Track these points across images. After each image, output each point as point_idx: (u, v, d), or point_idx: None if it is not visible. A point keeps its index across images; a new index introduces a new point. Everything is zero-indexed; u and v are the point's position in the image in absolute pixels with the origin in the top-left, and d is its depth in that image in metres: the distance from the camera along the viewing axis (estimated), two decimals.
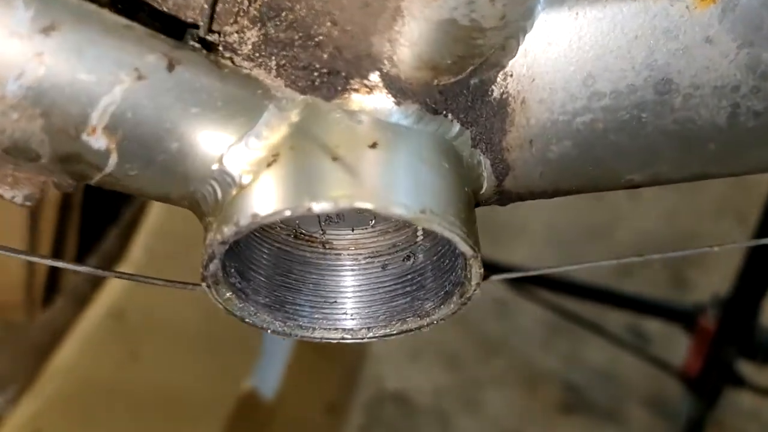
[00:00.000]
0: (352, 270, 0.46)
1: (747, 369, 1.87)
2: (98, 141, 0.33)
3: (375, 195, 0.34)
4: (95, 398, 1.47)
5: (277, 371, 1.78)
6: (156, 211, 1.55)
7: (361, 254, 0.46)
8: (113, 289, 1.49)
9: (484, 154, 0.41)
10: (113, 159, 0.34)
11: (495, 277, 0.45)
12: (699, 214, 2.30)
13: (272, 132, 0.36)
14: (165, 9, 0.41)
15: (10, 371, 1.44)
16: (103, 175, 0.35)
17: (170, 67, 0.33)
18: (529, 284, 2.18)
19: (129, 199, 1.55)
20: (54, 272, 1.54)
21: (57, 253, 1.53)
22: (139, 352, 1.53)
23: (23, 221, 1.47)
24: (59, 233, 1.52)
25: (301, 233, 0.46)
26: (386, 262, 0.46)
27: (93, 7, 0.32)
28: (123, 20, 0.33)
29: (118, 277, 0.49)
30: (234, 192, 0.36)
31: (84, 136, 0.33)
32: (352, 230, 0.46)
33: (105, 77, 0.32)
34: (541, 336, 2.28)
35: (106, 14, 0.33)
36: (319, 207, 0.34)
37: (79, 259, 1.53)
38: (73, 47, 0.31)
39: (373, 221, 0.46)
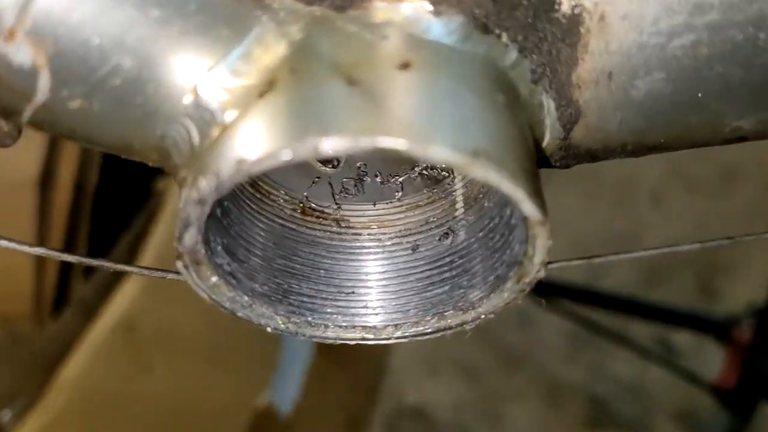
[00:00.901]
0: (375, 253, 0.35)
1: None
2: (20, 51, 0.22)
3: (408, 129, 0.23)
4: (105, 411, 1.38)
5: (294, 384, 1.68)
6: (168, 218, 1.46)
7: (385, 234, 0.35)
8: (123, 299, 1.40)
9: (546, 92, 0.30)
10: (44, 80, 0.23)
11: (555, 265, 0.34)
12: (729, 219, 2.18)
13: (266, 51, 0.26)
14: None
15: (18, 383, 1.35)
16: (35, 108, 0.24)
17: None
18: (552, 295, 2.07)
19: (140, 206, 1.46)
20: (63, 283, 1.45)
21: (66, 263, 1.44)
22: (152, 364, 1.43)
23: (32, 228, 1.39)
24: (68, 241, 1.43)
25: (310, 207, 0.35)
26: (418, 243, 0.35)
27: None
28: None
29: (97, 266, 0.39)
30: (215, 133, 0.26)
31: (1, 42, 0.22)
32: (374, 204, 0.35)
33: None
34: (565, 348, 2.17)
35: None
36: (330, 144, 0.23)
37: (89, 270, 1.44)
38: None
39: (400, 193, 0.35)
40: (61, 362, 1.37)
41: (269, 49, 0.26)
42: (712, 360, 1.89)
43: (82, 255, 1.42)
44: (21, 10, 0.22)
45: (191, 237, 0.27)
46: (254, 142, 0.24)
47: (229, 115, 0.25)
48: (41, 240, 1.40)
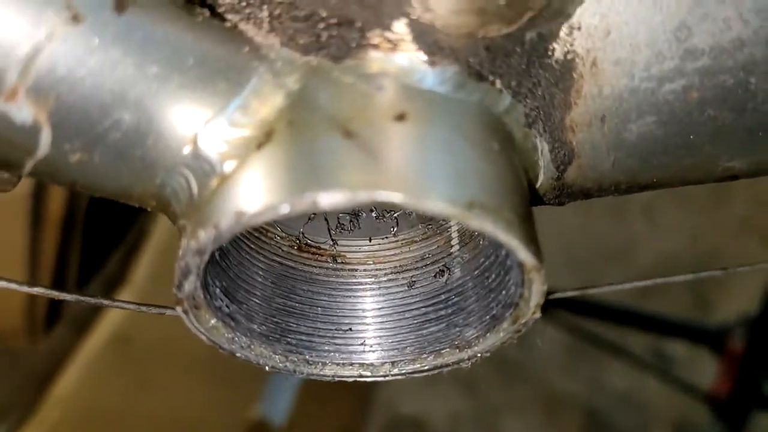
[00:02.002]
0: (371, 289, 0.35)
1: None
2: (21, 109, 0.23)
3: (405, 182, 0.24)
4: (99, 427, 1.38)
5: (287, 396, 1.69)
6: (160, 233, 1.46)
7: (381, 270, 0.36)
8: (116, 315, 1.40)
9: (540, 135, 0.30)
10: (45, 136, 0.24)
11: (558, 294, 0.35)
12: (721, 234, 2.19)
13: (264, 103, 0.26)
14: None
15: (11, 400, 1.35)
16: (37, 161, 0.25)
17: (119, 5, 0.23)
18: (548, 306, 2.08)
19: (132, 222, 1.46)
20: (55, 299, 1.45)
21: (59, 277, 1.44)
22: (147, 380, 1.44)
23: (25, 241, 1.39)
24: (61, 257, 1.43)
25: (307, 243, 0.35)
26: (414, 279, 0.35)
27: None
28: None
29: (81, 301, 0.39)
30: (213, 183, 0.26)
31: (1, 103, 0.22)
32: (370, 240, 0.36)
33: (26, 17, 0.22)
34: (562, 360, 2.18)
35: None
36: (328, 199, 0.24)
37: (82, 283, 1.44)
38: None
39: (396, 228, 0.36)
40: (54, 377, 1.37)
41: (267, 101, 0.26)
42: (706, 370, 1.91)
43: (75, 271, 1.42)
44: (24, 69, 0.22)
45: (190, 284, 0.27)
46: (253, 194, 0.25)
47: (228, 166, 0.26)
48: (34, 252, 1.40)
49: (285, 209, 0.24)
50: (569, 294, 0.42)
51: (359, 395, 2.05)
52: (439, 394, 2.16)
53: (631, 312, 2.07)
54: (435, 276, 0.35)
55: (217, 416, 1.54)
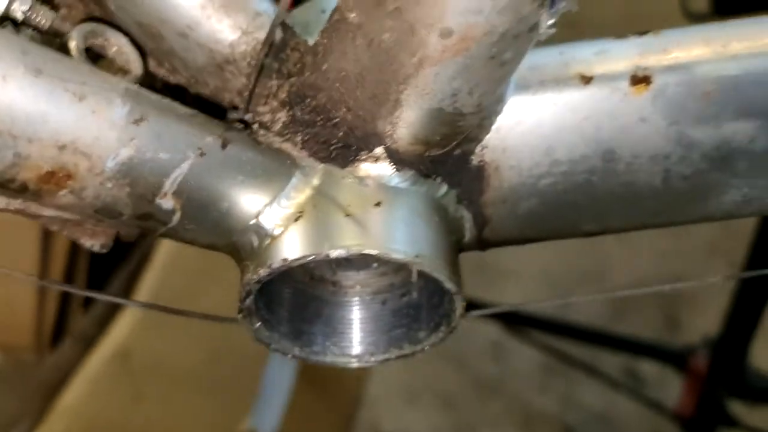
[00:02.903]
0: (358, 305, 0.57)
1: (739, 409, 1.96)
2: (167, 203, 0.44)
3: (379, 243, 0.46)
4: None
5: (276, 411, 1.87)
6: (164, 252, 1.66)
7: (365, 292, 0.57)
8: (120, 331, 1.60)
9: (466, 209, 0.52)
10: (177, 217, 0.45)
11: (475, 313, 0.56)
12: (690, 256, 2.41)
13: (298, 194, 0.48)
14: (206, 92, 0.53)
15: (19, 410, 1.53)
16: (167, 229, 0.47)
17: (224, 145, 0.45)
18: (524, 326, 2.28)
19: (136, 245, 1.66)
20: (62, 315, 1.65)
21: (66, 294, 1.64)
22: (144, 393, 1.63)
23: (35, 264, 1.58)
24: (68, 276, 1.63)
25: (315, 274, 0.57)
26: (386, 299, 0.57)
27: (167, 100, 0.44)
28: (189, 110, 0.45)
29: (162, 310, 0.60)
30: (268, 241, 0.48)
31: (157, 200, 0.44)
32: (357, 272, 0.57)
33: (177, 155, 0.44)
34: (537, 378, 2.37)
35: (177, 106, 0.44)
36: (335, 253, 0.45)
37: (88, 301, 1.64)
38: (155, 133, 0.43)
39: (376, 264, 0.57)
40: (60, 390, 1.56)
41: (301, 192, 0.48)
42: (675, 389, 2.09)
43: (82, 286, 1.62)
44: (173, 182, 0.44)
45: (250, 301, 0.49)
46: (293, 248, 0.46)
47: (277, 231, 0.47)
48: (43, 272, 1.59)
49: (311, 258, 0.46)
50: (501, 310, 0.63)
51: (345, 413, 2.23)
52: (419, 411, 2.34)
53: (602, 333, 2.26)
54: (401, 297, 0.57)
55: (210, 428, 1.72)
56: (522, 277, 2.44)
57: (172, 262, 1.64)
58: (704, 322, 2.29)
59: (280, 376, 1.96)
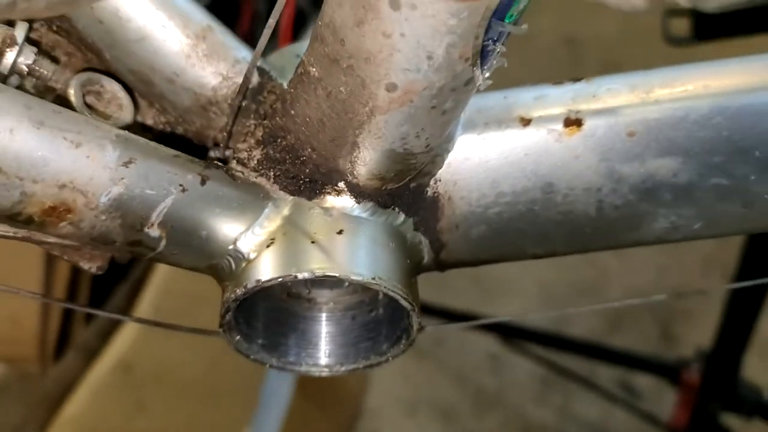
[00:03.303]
0: (329, 320, 0.64)
1: (732, 422, 2.01)
2: (154, 232, 0.52)
3: (341, 267, 0.54)
4: None
5: (274, 423, 1.94)
6: (162, 271, 1.73)
7: (337, 308, 0.65)
8: (122, 343, 1.67)
9: (423, 235, 0.60)
10: (163, 243, 0.53)
11: (430, 328, 0.64)
12: (686, 270, 2.47)
13: (270, 222, 0.56)
14: (193, 129, 0.61)
15: (24, 420, 1.61)
16: (155, 254, 0.54)
17: (203, 182, 0.53)
18: (521, 339, 2.35)
19: (135, 262, 1.75)
20: (65, 328, 1.73)
21: (69, 310, 1.72)
22: (145, 403, 1.70)
23: (38, 281, 1.66)
24: (71, 292, 1.71)
25: (292, 292, 0.65)
26: (355, 314, 0.64)
27: (153, 144, 0.52)
28: (172, 151, 0.53)
29: (153, 325, 0.67)
30: (244, 265, 0.55)
31: (146, 229, 0.52)
32: (331, 289, 0.65)
33: (161, 191, 0.51)
34: (535, 390, 2.43)
35: (162, 148, 0.52)
36: (302, 275, 0.53)
37: (90, 316, 1.72)
38: (142, 173, 0.50)
39: (347, 284, 0.65)
40: (63, 401, 1.64)
41: (273, 221, 0.56)
42: (669, 401, 2.15)
43: (85, 303, 1.70)
44: (159, 214, 0.51)
45: (229, 316, 0.57)
46: (265, 271, 0.54)
47: (252, 255, 0.55)
48: (47, 288, 1.67)
49: (281, 280, 0.53)
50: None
51: (344, 424, 2.30)
52: (418, 423, 2.40)
53: (598, 346, 2.32)
54: (368, 313, 0.64)
55: None
56: (519, 290, 2.51)
57: (171, 281, 1.72)
58: (698, 335, 2.35)
59: (278, 387, 2.04)
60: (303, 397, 2.13)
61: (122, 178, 0.49)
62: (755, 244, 1.82)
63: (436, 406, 2.45)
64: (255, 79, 0.60)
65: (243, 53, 0.60)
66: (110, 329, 1.71)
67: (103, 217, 0.50)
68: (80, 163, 0.48)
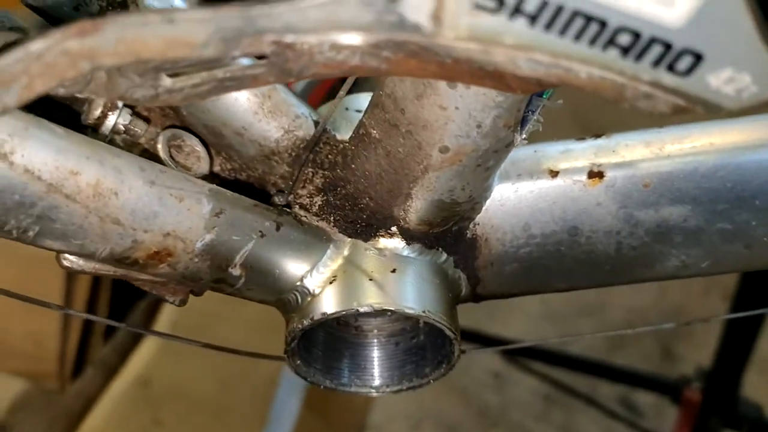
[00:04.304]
0: (376, 346, 0.74)
1: None
2: (236, 272, 0.62)
3: (395, 301, 0.63)
4: None
5: None
6: None
7: (382, 335, 0.74)
8: (140, 360, 1.76)
9: (462, 271, 0.70)
10: (242, 281, 0.63)
11: (469, 353, 0.74)
12: (687, 292, 2.58)
13: (332, 262, 0.66)
14: (255, 175, 0.70)
15: None
16: (233, 290, 0.64)
17: (278, 228, 0.63)
18: (524, 357, 2.45)
19: None
20: (84, 346, 1.82)
21: (88, 324, 1.81)
22: (161, 418, 1.79)
23: (60, 297, 1.75)
24: (91, 308, 1.80)
25: (343, 322, 0.74)
26: (399, 341, 0.74)
27: (237, 195, 0.62)
28: (252, 201, 0.63)
29: (206, 347, 0.76)
30: (309, 299, 0.65)
31: (229, 269, 0.62)
32: (376, 318, 0.75)
33: (244, 237, 0.61)
34: (537, 407, 2.52)
35: (244, 199, 0.62)
36: (363, 309, 0.63)
37: (109, 332, 1.81)
38: (230, 222, 0.60)
39: (390, 314, 0.75)
40: (83, 415, 1.73)
41: (334, 261, 0.65)
42: (670, 419, 2.24)
43: (103, 318, 1.78)
44: (241, 256, 0.61)
45: (294, 344, 0.66)
46: (329, 305, 0.64)
47: (317, 290, 0.65)
48: (67, 304, 1.77)
49: (343, 312, 0.63)
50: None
51: None
52: None
53: (600, 364, 2.42)
54: (411, 339, 0.74)
55: None
56: (523, 309, 2.61)
57: (189, 299, 1.81)
58: (699, 354, 2.45)
59: (287, 405, 2.13)
60: (310, 415, 2.22)
61: (214, 227, 0.59)
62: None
63: (440, 422, 2.54)
64: (311, 131, 0.69)
65: (302, 109, 0.70)
66: (127, 346, 1.80)
67: (196, 260, 0.60)
68: (182, 215, 0.57)
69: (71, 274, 1.79)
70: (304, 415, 2.16)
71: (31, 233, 0.52)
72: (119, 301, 1.84)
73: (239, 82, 0.45)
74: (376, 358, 0.73)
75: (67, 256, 0.58)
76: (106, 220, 0.54)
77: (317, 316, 0.64)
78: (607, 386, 2.42)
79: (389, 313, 0.65)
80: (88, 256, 0.56)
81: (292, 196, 0.68)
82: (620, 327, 2.45)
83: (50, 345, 1.77)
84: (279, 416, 2.06)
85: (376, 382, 0.72)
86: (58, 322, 1.76)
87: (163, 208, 0.56)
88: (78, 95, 0.44)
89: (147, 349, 1.78)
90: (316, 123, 0.70)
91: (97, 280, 1.82)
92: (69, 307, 1.78)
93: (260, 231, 0.62)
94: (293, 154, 0.68)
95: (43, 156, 0.51)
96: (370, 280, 0.64)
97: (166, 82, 0.44)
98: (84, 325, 1.80)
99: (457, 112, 0.55)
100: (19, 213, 0.51)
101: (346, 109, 0.73)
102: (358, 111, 0.70)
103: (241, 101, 0.67)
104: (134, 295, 1.84)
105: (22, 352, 1.78)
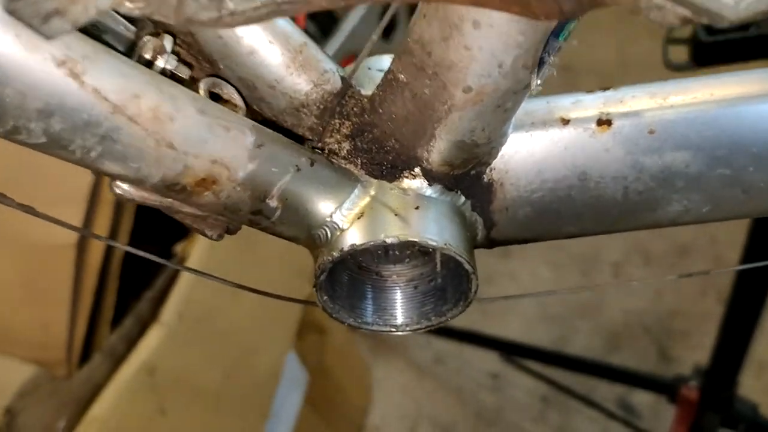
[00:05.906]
0: (397, 289, 0.80)
1: None
2: (273, 203, 0.68)
3: (419, 234, 0.69)
4: None
5: (288, 429, 2.08)
6: (185, 281, 1.88)
7: (401, 280, 0.80)
8: (147, 347, 1.81)
9: (479, 215, 0.76)
10: (278, 214, 0.69)
11: (485, 299, 0.79)
12: (682, 294, 2.64)
13: (360, 200, 0.71)
14: (285, 126, 0.76)
15: (53, 420, 1.74)
16: (268, 223, 0.70)
17: (312, 164, 0.69)
18: (522, 357, 2.50)
19: (161, 269, 1.89)
20: (91, 333, 1.86)
21: (96, 313, 1.85)
22: (166, 407, 1.83)
23: (68, 286, 1.80)
24: (98, 297, 1.84)
25: (363, 266, 0.80)
26: (417, 284, 0.80)
27: (275, 132, 0.68)
28: (287, 139, 0.69)
29: (238, 287, 0.82)
30: (338, 233, 0.71)
31: (267, 200, 0.67)
32: (395, 264, 0.80)
33: (282, 169, 0.67)
34: (534, 408, 2.57)
35: (281, 137, 0.68)
36: (390, 240, 0.69)
37: (116, 319, 1.86)
38: (270, 154, 0.66)
39: (408, 259, 0.80)
40: (90, 402, 1.77)
41: (362, 199, 0.71)
42: (667, 419, 2.30)
43: (111, 308, 1.84)
44: (278, 188, 0.67)
45: (323, 277, 0.72)
46: (357, 237, 0.70)
47: (345, 226, 0.70)
48: (75, 293, 1.81)
49: (372, 244, 0.69)
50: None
51: None
52: None
53: (597, 364, 2.47)
54: (429, 282, 0.80)
55: None
56: (519, 308, 2.67)
57: (195, 290, 1.87)
58: (695, 355, 2.51)
59: (289, 399, 2.18)
60: (310, 413, 2.27)
61: (256, 158, 0.65)
62: (748, 272, 1.97)
63: (437, 423, 2.58)
64: (339, 85, 0.75)
65: (330, 65, 0.76)
66: (134, 334, 1.84)
67: (239, 188, 0.65)
68: (228, 143, 0.63)
69: (80, 267, 1.84)
70: (304, 414, 2.21)
71: (93, 153, 0.58)
72: (126, 291, 1.89)
73: (295, 6, 0.51)
74: (396, 299, 0.79)
75: (119, 183, 0.64)
76: (162, 143, 0.59)
77: (346, 248, 0.69)
78: (604, 387, 2.48)
79: (411, 248, 0.71)
80: (141, 181, 0.62)
81: (320, 143, 0.74)
82: (616, 328, 2.51)
83: (58, 332, 1.81)
84: (278, 412, 2.10)
85: (398, 321, 0.78)
86: (66, 310, 1.81)
87: (212, 136, 0.62)
88: (148, 17, 0.50)
89: (154, 336, 1.82)
90: (342, 79, 0.76)
91: (104, 271, 1.87)
92: (77, 295, 1.83)
93: (296, 165, 0.67)
94: (321, 107, 0.74)
95: (109, 78, 0.56)
96: (396, 215, 0.70)
97: (230, 4, 0.50)
98: (92, 312, 1.84)
99: (480, 52, 0.62)
100: (85, 132, 0.57)
101: (369, 68, 0.79)
102: (380, 70, 0.76)
103: (274, 56, 0.73)
104: (140, 286, 1.89)
105: (30, 340, 1.82)
